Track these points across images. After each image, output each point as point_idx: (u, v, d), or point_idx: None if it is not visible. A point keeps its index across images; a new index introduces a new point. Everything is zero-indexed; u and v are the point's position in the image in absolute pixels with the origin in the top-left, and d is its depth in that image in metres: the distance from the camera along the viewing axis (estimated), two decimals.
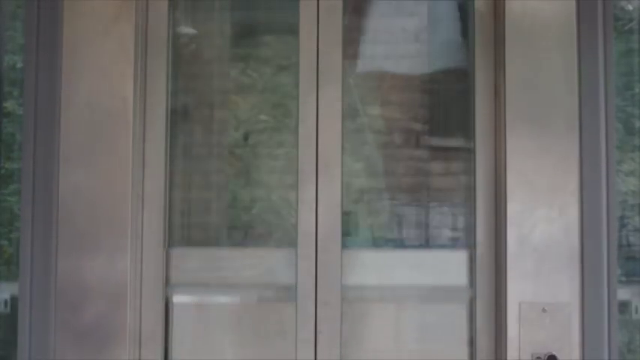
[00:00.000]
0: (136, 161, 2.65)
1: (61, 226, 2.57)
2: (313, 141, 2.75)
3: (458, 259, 2.74)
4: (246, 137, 2.92)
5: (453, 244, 2.83)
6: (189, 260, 2.76)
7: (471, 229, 2.73)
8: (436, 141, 2.91)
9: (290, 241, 2.77)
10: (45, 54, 2.63)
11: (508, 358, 2.54)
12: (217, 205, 2.95)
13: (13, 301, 2.69)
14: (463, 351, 2.73)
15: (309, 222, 2.73)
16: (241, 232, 2.91)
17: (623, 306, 2.69)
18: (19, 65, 2.78)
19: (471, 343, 2.72)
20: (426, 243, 2.86)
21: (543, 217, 2.56)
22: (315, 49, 2.77)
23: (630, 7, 2.86)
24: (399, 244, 2.87)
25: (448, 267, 2.75)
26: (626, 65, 2.82)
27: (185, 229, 2.88)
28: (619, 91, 2.74)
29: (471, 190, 2.74)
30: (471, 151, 2.75)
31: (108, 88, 2.60)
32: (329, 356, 2.69)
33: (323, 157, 2.74)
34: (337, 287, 2.71)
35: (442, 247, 2.83)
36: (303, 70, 2.77)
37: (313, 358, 2.69)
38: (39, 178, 2.61)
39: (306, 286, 2.71)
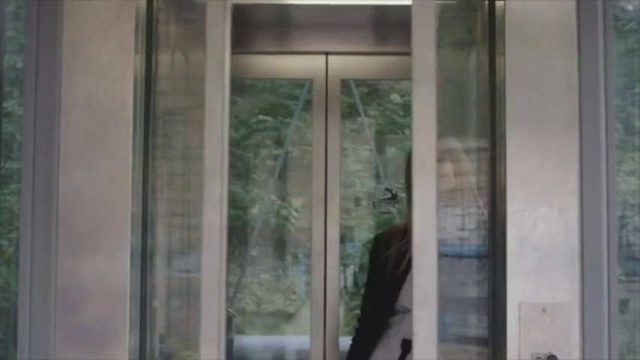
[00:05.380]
0: (136, 161, 2.65)
1: (61, 226, 2.57)
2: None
3: None
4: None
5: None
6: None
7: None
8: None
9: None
10: (45, 54, 2.63)
11: (508, 358, 2.53)
12: None
13: None
14: None
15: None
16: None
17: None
18: (19, 65, 2.78)
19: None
20: None
21: (543, 217, 2.55)
22: None
23: (630, 7, 2.86)
24: None
25: None
26: (626, 65, 2.82)
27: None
28: (619, 91, 2.74)
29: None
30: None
31: (108, 88, 2.60)
32: None
33: None
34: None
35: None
36: None
37: None
38: (39, 178, 2.60)
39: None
